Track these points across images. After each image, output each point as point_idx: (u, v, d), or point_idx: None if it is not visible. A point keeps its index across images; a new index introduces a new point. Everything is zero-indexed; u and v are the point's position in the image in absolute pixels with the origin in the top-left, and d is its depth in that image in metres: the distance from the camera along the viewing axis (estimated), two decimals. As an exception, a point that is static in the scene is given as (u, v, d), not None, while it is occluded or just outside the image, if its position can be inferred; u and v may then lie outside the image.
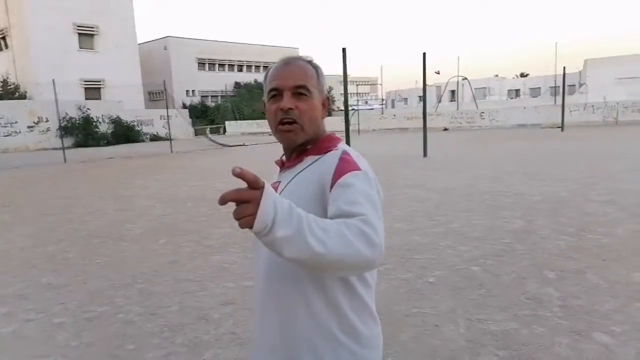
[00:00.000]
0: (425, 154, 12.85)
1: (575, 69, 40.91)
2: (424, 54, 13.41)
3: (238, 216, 0.83)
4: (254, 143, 24.26)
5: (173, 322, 3.31)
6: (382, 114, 37.14)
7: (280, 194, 1.18)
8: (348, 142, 10.98)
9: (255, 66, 50.56)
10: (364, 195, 0.99)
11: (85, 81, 32.52)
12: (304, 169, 1.16)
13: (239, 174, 0.83)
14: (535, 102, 39.00)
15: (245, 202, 0.83)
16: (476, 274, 3.76)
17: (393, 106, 55.60)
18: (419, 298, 3.37)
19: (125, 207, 7.88)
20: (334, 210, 0.97)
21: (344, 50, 10.87)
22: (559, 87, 36.56)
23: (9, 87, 30.20)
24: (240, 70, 49.22)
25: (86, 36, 32.85)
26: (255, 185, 0.84)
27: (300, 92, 1.14)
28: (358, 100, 50.97)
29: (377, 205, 1.00)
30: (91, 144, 26.98)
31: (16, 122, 25.84)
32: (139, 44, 36.59)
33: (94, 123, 28.30)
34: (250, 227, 0.83)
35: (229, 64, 48.12)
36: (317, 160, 1.15)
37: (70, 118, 26.89)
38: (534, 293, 3.31)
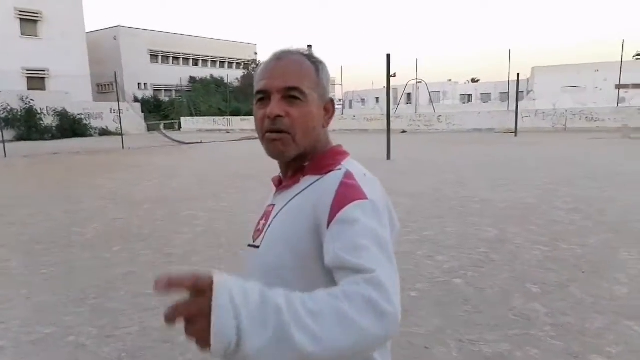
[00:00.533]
0: (389, 157, 12.83)
1: (523, 76, 42.87)
2: (388, 55, 13.40)
3: (190, 337, 0.60)
4: (211, 140, 23.56)
5: (132, 346, 2.95)
6: (342, 114, 37.18)
7: (272, 221, 0.94)
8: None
9: (212, 61, 49.42)
10: (371, 235, 0.77)
11: (28, 70, 30.47)
12: (299, 192, 0.93)
13: (166, 287, 0.58)
14: (486, 107, 40.36)
15: (193, 316, 0.59)
16: (459, 288, 3.62)
17: (351, 107, 55.98)
18: (403, 315, 3.17)
19: (74, 208, 7.27)
20: (331, 259, 0.76)
21: (309, 47, 10.58)
22: (507, 93, 37.99)
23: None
24: (195, 64, 47.97)
25: (29, 22, 30.72)
26: (198, 288, 0.59)
27: (292, 95, 0.92)
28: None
29: (387, 248, 0.77)
30: (34, 137, 25.33)
31: (-52, 111, 23.76)
32: (87, 33, 34.70)
33: (38, 115, 26.56)
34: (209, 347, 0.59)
35: (183, 58, 46.78)
36: (316, 181, 0.92)
37: (12, 109, 25.09)
38: (521, 309, 3.20)
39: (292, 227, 0.88)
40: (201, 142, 22.36)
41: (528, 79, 43.02)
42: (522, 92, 40.78)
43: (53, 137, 26.36)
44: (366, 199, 0.82)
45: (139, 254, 4.86)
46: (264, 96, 0.94)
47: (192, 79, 45.62)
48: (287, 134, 0.91)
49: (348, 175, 0.88)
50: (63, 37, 31.65)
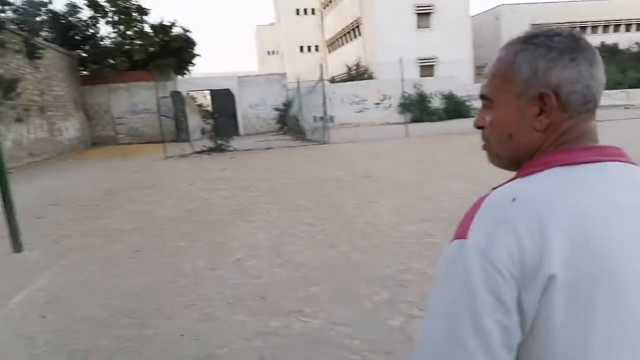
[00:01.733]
0: None
1: None
2: None
3: None
4: (606, 119, 20.16)
5: None
6: None
7: None
8: None
9: (604, 26, 42.55)
10: (439, 305, 0.68)
11: (421, 59, 34.45)
12: None
13: None
14: None
15: None
16: None
17: None
18: None
19: (473, 188, 7.46)
20: None
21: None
22: None
23: (360, 70, 35.28)
24: (595, 32, 42.39)
25: (423, 15, 34.72)
26: None
27: (484, 103, 0.84)
28: None
29: (457, 336, 0.63)
30: (425, 119, 28.52)
31: (366, 100, 30.01)
32: (471, 17, 36.25)
33: (427, 99, 29.84)
34: None
35: (571, 27, 42.12)
36: None
37: (409, 95, 29.05)
38: None
39: None
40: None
41: None
42: None
43: (439, 119, 28.93)
44: (464, 237, 0.68)
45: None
46: None
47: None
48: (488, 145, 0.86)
49: (481, 199, 0.74)
50: (450, 25, 34.16)
